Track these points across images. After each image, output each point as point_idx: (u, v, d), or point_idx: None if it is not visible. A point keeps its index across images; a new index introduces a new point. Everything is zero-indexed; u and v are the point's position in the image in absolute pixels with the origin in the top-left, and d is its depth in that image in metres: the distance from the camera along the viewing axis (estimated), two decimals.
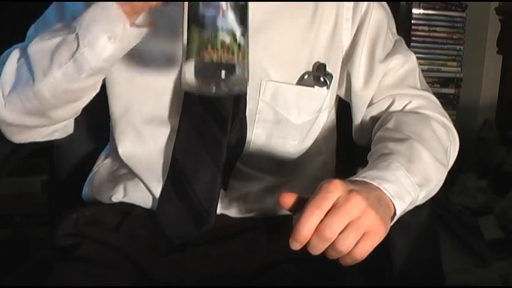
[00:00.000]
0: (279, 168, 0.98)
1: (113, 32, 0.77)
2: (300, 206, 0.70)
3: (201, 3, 0.69)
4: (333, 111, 1.03)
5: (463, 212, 2.01)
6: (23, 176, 1.92)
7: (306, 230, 0.68)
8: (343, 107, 1.02)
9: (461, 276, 1.73)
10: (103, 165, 1.06)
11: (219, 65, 0.69)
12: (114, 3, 0.75)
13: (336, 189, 0.69)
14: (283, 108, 0.94)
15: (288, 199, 0.72)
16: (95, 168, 1.07)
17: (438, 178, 0.85)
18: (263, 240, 0.93)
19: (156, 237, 0.92)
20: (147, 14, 0.80)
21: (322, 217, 0.68)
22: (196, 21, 0.70)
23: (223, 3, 0.69)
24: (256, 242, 0.93)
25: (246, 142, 0.94)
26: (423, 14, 2.25)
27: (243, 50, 0.70)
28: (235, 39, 0.69)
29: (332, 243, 0.68)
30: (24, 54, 0.86)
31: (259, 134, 0.95)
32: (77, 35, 0.78)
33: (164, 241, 0.92)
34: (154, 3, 0.76)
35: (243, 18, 0.71)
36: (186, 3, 0.72)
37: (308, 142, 1.00)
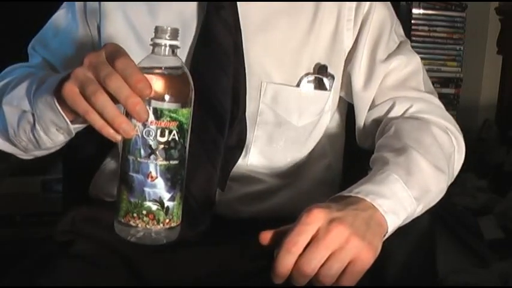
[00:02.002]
0: (280, 171, 0.98)
1: (59, 126, 0.78)
2: (280, 240, 0.69)
3: (131, 165, 0.67)
4: (338, 114, 1.02)
5: (463, 212, 2.01)
6: (23, 176, 1.92)
7: (283, 268, 0.67)
8: (352, 110, 1.00)
9: (461, 276, 1.72)
10: (108, 164, 1.06)
11: (144, 230, 0.69)
12: (57, 104, 0.74)
13: (315, 220, 0.68)
14: (284, 110, 0.94)
15: (266, 235, 0.71)
16: (102, 167, 1.07)
17: (438, 188, 0.83)
18: (258, 243, 0.93)
19: None
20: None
21: (299, 253, 0.67)
22: (125, 182, 0.68)
23: (153, 170, 0.67)
24: (254, 243, 0.93)
25: (247, 144, 0.94)
26: (423, 14, 2.25)
27: (171, 214, 0.69)
28: (162, 206, 0.68)
29: (315, 275, 0.67)
30: (1, 102, 0.87)
31: (260, 136, 0.95)
32: (33, 114, 0.80)
33: None
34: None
35: (174, 181, 0.68)
36: (120, 156, 0.69)
37: (310, 145, 0.99)
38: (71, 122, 0.76)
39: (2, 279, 0.86)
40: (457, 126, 0.94)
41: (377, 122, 0.95)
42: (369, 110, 0.95)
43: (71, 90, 0.68)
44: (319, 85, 0.94)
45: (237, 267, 0.89)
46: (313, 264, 0.66)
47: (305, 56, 0.93)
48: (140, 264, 0.89)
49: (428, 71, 2.43)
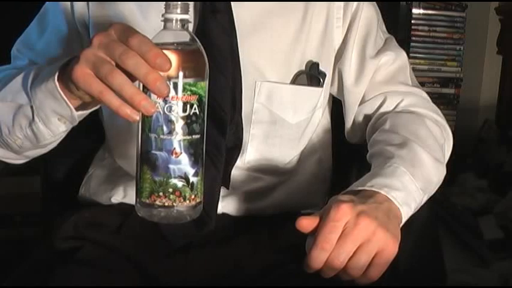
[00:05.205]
0: (276, 168, 0.99)
1: (61, 115, 0.77)
2: (314, 228, 0.72)
3: (153, 143, 0.66)
4: (327, 110, 1.04)
5: (463, 212, 2.01)
6: (23, 176, 1.91)
7: (316, 264, 0.70)
8: (337, 105, 1.03)
9: (461, 276, 1.72)
10: (101, 165, 1.05)
11: (170, 208, 0.68)
12: (59, 90, 0.73)
13: (344, 216, 0.70)
14: (279, 108, 0.94)
15: (304, 222, 0.72)
16: (91, 169, 1.06)
17: (438, 178, 0.86)
18: (265, 240, 0.93)
19: (157, 238, 0.92)
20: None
21: (331, 249, 0.69)
22: (148, 162, 0.67)
23: (177, 146, 0.66)
24: (259, 242, 0.93)
25: (243, 143, 0.94)
26: (423, 14, 2.25)
27: (196, 189, 0.68)
28: (187, 182, 0.67)
29: (344, 268, 0.70)
30: None
31: (256, 134, 0.95)
32: (31, 107, 0.78)
33: (166, 243, 0.91)
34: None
35: (197, 156, 0.68)
36: (139, 136, 0.68)
37: (304, 141, 1.00)
38: (75, 109, 0.75)
39: (2, 279, 0.85)
40: (443, 116, 0.97)
41: (367, 116, 0.97)
42: (359, 105, 0.97)
43: (82, 72, 0.65)
44: (312, 82, 0.95)
45: (245, 267, 0.90)
46: (341, 257, 0.69)
47: (297, 54, 0.94)
48: (149, 267, 0.89)
49: (428, 71, 2.44)
